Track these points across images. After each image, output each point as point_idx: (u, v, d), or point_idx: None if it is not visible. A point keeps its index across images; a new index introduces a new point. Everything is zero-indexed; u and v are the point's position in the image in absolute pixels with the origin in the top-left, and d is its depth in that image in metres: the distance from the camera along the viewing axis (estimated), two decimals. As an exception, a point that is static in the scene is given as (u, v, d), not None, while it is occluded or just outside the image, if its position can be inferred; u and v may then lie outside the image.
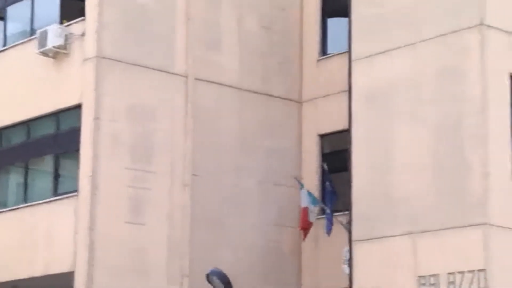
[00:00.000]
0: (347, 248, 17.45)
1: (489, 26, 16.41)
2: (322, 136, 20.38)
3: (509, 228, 15.60)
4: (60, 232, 18.29)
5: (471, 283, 15.30)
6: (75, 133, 18.30)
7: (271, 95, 20.43)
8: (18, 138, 20.46)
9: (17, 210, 19.80)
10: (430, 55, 17.06)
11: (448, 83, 16.64)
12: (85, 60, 18.25)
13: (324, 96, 20.45)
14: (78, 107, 18.39)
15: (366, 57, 17.68)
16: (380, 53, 17.50)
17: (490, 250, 15.29)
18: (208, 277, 12.95)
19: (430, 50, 17.13)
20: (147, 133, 18.51)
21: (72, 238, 17.65)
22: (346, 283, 17.06)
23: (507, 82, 16.64)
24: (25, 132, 20.09)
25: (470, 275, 15.39)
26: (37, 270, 18.63)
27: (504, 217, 15.74)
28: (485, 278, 15.16)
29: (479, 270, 15.16)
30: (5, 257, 19.40)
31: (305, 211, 18.65)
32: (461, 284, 15.49)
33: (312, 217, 18.60)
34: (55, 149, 19.47)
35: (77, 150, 18.20)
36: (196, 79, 19.36)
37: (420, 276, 15.97)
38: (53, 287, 19.09)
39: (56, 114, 19.21)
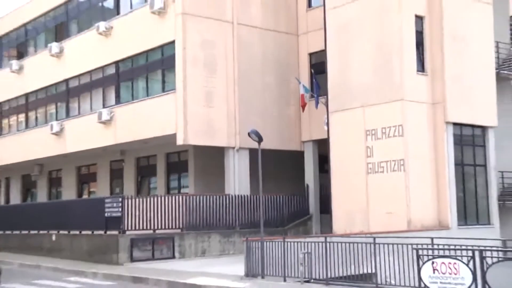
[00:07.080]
0: (326, 116, 22.56)
1: None
2: (311, 54, 25.92)
3: (418, 102, 20.17)
4: (163, 112, 22.83)
5: (394, 132, 20.05)
6: (172, 57, 23.01)
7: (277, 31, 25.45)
8: (141, 62, 25.01)
9: (142, 101, 24.48)
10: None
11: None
12: (176, 15, 22.89)
13: (313, 31, 25.55)
14: (173, 42, 22.98)
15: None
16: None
17: (404, 117, 19.93)
18: (249, 134, 15.80)
19: None
20: (211, 56, 23.33)
21: (173, 116, 22.61)
22: (326, 135, 22.59)
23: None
24: (145, 57, 24.74)
25: (393, 128, 20.03)
26: (157, 132, 23.75)
27: (413, 94, 20.02)
28: (402, 130, 19.87)
29: (399, 125, 19.94)
30: (136, 123, 23.98)
31: (302, 96, 24.41)
32: (388, 133, 20.25)
33: (306, 99, 24.31)
34: (162, 66, 24.04)
35: (173, 67, 22.84)
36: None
37: (366, 130, 21.03)
38: (164, 142, 24.72)
39: (161, 47, 23.81)
